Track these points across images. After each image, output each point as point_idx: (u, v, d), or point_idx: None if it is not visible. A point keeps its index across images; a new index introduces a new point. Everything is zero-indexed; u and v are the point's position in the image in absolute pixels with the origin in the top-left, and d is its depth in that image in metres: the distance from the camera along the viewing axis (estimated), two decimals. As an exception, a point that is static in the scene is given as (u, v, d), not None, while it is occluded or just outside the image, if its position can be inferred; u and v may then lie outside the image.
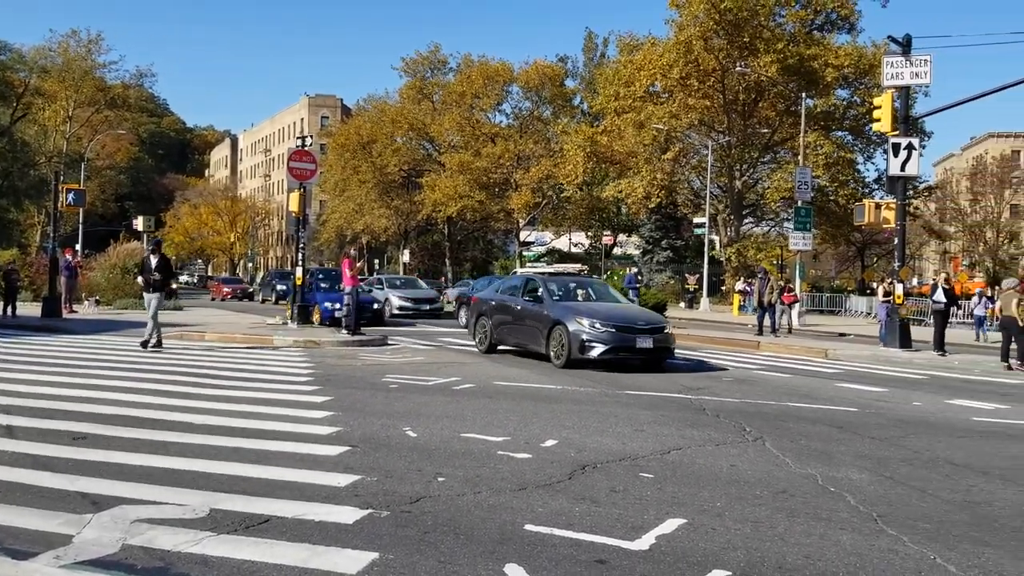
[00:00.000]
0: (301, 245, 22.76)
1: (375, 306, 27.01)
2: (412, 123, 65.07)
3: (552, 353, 15.37)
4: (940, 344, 20.50)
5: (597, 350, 14.74)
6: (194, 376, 12.55)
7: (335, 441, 8.04)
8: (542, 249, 73.37)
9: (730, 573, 4.69)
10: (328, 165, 68.56)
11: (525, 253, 67.88)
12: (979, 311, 30.20)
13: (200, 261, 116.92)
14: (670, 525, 5.54)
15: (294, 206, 22.51)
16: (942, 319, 21.17)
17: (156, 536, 5.04)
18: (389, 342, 19.96)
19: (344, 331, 20.24)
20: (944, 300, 21.27)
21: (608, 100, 49.33)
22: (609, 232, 68.27)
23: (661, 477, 6.92)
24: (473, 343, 18.50)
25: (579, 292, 17.21)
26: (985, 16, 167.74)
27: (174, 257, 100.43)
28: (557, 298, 16.45)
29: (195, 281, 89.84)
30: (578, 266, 53.85)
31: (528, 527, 5.41)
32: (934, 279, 22.55)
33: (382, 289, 32.27)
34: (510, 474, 6.86)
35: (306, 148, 22.98)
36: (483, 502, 6.01)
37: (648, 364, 15.34)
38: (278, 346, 18.36)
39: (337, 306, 23.89)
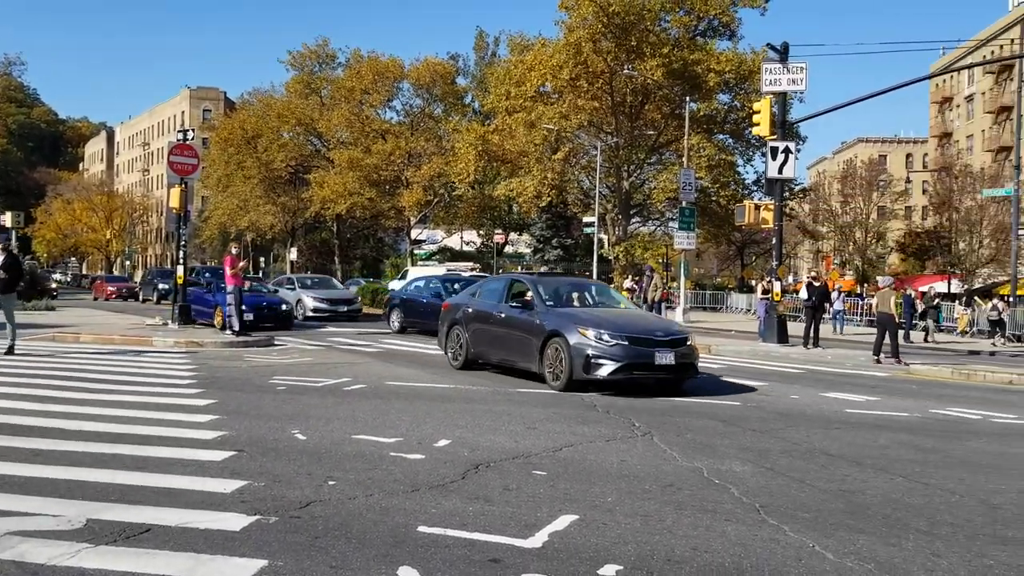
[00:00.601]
0: (182, 243, 22.00)
1: (283, 307, 24.92)
2: (299, 118, 63.67)
3: (547, 372, 12.58)
4: (807, 338, 21.51)
5: (607, 368, 11.89)
6: (68, 380, 11.93)
7: (220, 445, 7.80)
8: (434, 247, 73.13)
9: (622, 567, 4.78)
10: (211, 160, 66.38)
11: (417, 251, 67.44)
12: (837, 305, 32.25)
13: (74, 259, 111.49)
14: (563, 522, 5.60)
15: (175, 202, 21.71)
16: (811, 315, 22.16)
17: (29, 549, 4.77)
18: (276, 342, 19.51)
19: (228, 332, 19.65)
20: (810, 297, 22.25)
21: (499, 99, 49.53)
22: (500, 231, 68.59)
23: (554, 474, 6.99)
24: (444, 356, 15.65)
25: (575, 295, 14.16)
26: (856, 26, 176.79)
27: (45, 255, 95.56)
28: (550, 303, 13.42)
29: (68, 280, 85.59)
30: (470, 264, 54.03)
31: (422, 529, 5.38)
32: (807, 278, 23.66)
33: (294, 290, 29.69)
34: (403, 475, 6.80)
35: (188, 142, 22.20)
36: (375, 505, 5.93)
37: (667, 385, 12.61)
38: (158, 347, 17.68)
39: (243, 308, 21.89)
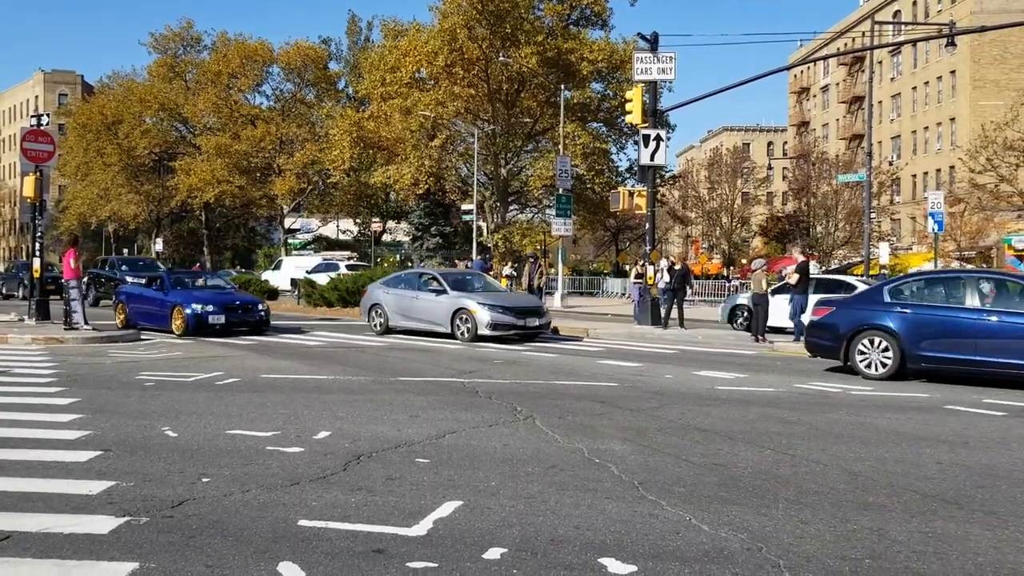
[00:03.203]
0: (38, 234, 20.76)
1: (260, 308, 19.99)
2: (163, 103, 61.14)
3: None
4: (667, 320, 22.15)
5: None
6: (-91, 383, 11.08)
7: (85, 446, 7.40)
8: (309, 236, 71.69)
9: (506, 550, 4.81)
10: (68, 147, 62.98)
11: (291, 241, 65.96)
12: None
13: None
14: (447, 508, 5.59)
15: (29, 191, 20.42)
16: (671, 297, 22.74)
17: None
18: (143, 337, 18.69)
19: (86, 327, 18.65)
20: (670, 280, 22.88)
21: (374, 85, 48.91)
22: (378, 219, 67.84)
23: (437, 461, 6.97)
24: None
25: None
26: (721, 18, 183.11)
27: None
28: None
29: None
30: (347, 253, 53.26)
31: (302, 522, 5.26)
32: (667, 262, 24.31)
33: (442, 292, 19.46)
34: (281, 470, 6.63)
35: (42, 127, 20.91)
36: (253, 500, 5.76)
37: None
38: (14, 345, 16.64)
39: (211, 308, 18.92)
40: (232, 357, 15.00)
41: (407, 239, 64.96)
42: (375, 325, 20.52)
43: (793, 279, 19.29)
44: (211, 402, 9.94)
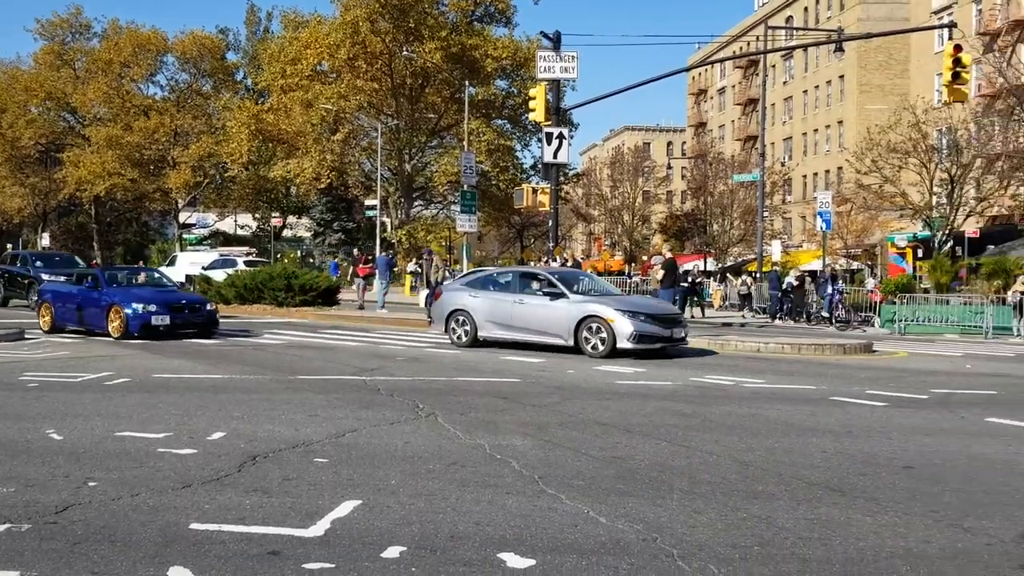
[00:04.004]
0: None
1: (208, 308, 18.49)
2: (50, 91, 58.40)
3: None
4: None
5: None
6: None
7: (-41, 452, 7.02)
8: (205, 232, 69.72)
9: (405, 548, 4.78)
10: (-54, 137, 59.51)
11: (186, 236, 63.99)
12: None
13: None
14: (345, 508, 5.52)
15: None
16: None
17: None
18: (27, 336, 17.83)
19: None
20: None
21: (274, 77, 47.95)
22: (278, 214, 66.46)
23: (336, 461, 6.88)
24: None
25: None
26: (622, 20, 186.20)
27: None
28: None
29: None
30: (245, 249, 51.99)
31: (194, 526, 5.11)
32: (564, 259, 24.55)
33: (560, 295, 15.86)
34: (172, 472, 6.43)
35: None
36: (142, 504, 5.57)
37: None
38: None
39: (154, 308, 17.14)
40: (123, 356, 14.46)
41: (308, 235, 63.91)
42: (457, 336, 16.81)
43: (659, 275, 19.90)
44: (99, 403, 9.56)
